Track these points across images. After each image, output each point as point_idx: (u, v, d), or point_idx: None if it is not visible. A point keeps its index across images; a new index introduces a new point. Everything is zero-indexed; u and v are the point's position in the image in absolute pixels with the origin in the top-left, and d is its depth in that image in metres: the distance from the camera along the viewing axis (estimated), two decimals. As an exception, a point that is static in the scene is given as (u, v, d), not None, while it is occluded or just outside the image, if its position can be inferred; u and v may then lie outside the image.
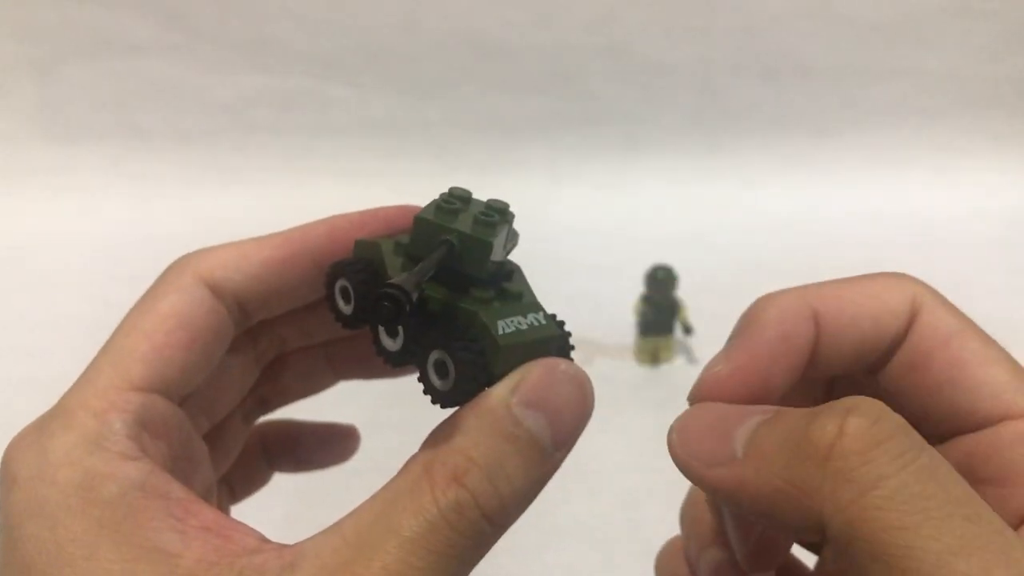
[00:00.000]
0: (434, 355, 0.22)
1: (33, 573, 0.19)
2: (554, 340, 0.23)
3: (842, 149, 0.96)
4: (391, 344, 0.23)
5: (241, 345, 0.27)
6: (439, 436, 0.21)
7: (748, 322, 0.24)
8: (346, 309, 0.25)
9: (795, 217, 0.91)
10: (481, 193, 0.25)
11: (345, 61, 0.91)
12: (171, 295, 0.24)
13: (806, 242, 0.86)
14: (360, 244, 0.25)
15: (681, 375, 0.67)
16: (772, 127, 0.95)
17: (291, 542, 0.20)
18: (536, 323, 0.22)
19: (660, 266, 0.67)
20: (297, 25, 0.89)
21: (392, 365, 0.24)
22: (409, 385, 0.30)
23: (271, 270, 0.26)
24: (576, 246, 0.86)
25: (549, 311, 0.24)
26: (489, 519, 0.20)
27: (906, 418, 0.23)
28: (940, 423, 0.23)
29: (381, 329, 0.23)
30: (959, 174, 0.95)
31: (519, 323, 0.22)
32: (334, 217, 0.27)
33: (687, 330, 0.67)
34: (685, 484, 0.23)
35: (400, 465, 0.21)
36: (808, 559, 0.27)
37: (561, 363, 0.21)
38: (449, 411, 0.23)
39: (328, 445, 0.34)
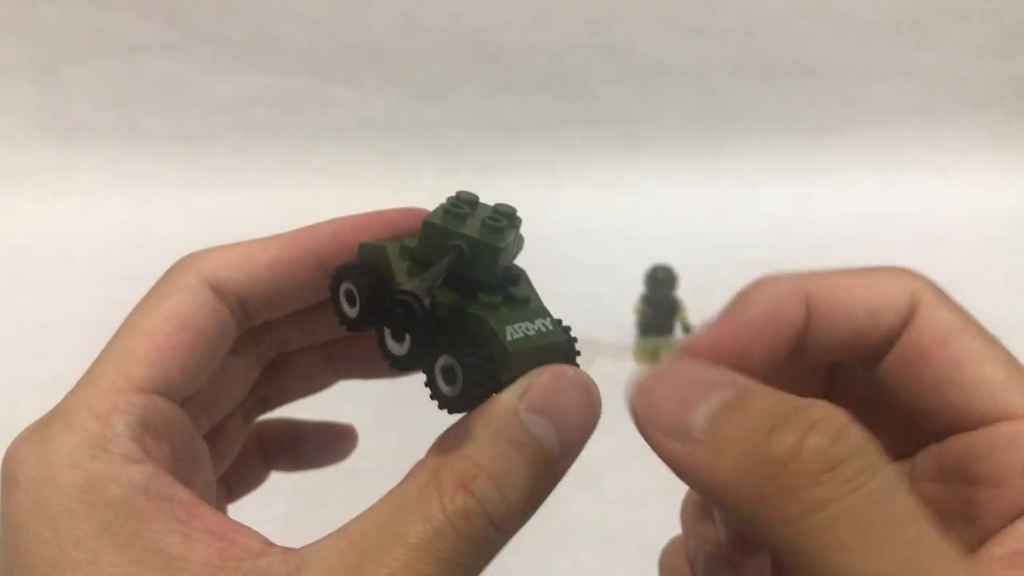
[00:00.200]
0: (442, 360, 0.22)
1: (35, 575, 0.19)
2: (561, 346, 0.23)
3: (842, 149, 0.96)
4: (397, 348, 0.23)
5: (243, 345, 0.27)
6: (446, 442, 0.21)
7: (740, 298, 0.24)
8: (351, 312, 0.25)
9: (795, 217, 0.91)
10: (481, 193, 0.25)
11: (345, 61, 0.91)
12: (174, 296, 0.24)
13: (806, 242, 0.86)
14: (364, 247, 0.25)
15: (681, 375, 0.67)
16: (772, 127, 0.95)
17: (292, 541, 0.20)
18: (543, 329, 0.22)
19: (660, 266, 0.67)
20: (297, 25, 0.89)
21: (398, 370, 0.24)
22: (410, 384, 0.30)
23: (275, 271, 0.26)
24: (576, 246, 0.86)
25: (550, 312, 0.24)
26: (496, 526, 0.20)
27: (903, 412, 0.23)
28: (936, 420, 0.23)
29: (387, 333, 0.23)
30: (959, 174, 0.95)
31: (527, 329, 0.22)
32: (338, 219, 0.27)
33: (687, 330, 0.67)
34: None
35: (401, 464, 0.21)
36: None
37: (569, 370, 0.21)
38: (455, 416, 0.23)
39: (326, 444, 0.34)
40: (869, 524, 0.16)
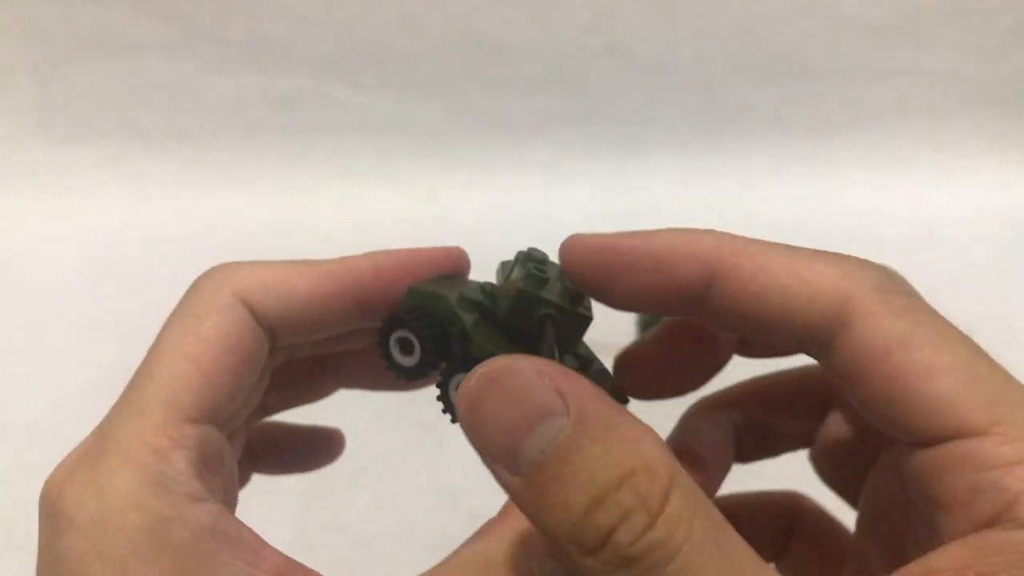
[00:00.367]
0: None
1: None
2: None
3: (842, 149, 0.96)
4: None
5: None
6: None
7: (644, 231, 0.23)
8: (405, 361, 0.24)
9: (795, 217, 0.91)
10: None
11: (345, 61, 0.91)
12: (212, 316, 0.23)
13: (806, 242, 0.86)
14: (415, 292, 0.25)
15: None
16: (772, 127, 0.95)
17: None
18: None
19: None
20: (297, 25, 0.89)
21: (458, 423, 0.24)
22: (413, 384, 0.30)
23: (313, 304, 0.25)
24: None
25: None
26: None
27: (864, 426, 0.22)
28: (891, 434, 0.21)
29: (452, 388, 0.23)
30: (959, 174, 0.95)
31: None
32: (379, 253, 0.26)
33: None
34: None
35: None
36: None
37: None
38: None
39: (313, 448, 0.34)
40: None
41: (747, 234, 0.23)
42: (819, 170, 0.95)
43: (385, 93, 0.93)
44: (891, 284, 0.21)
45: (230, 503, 0.24)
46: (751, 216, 0.90)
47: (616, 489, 0.17)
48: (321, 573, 0.21)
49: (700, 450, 0.26)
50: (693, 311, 0.23)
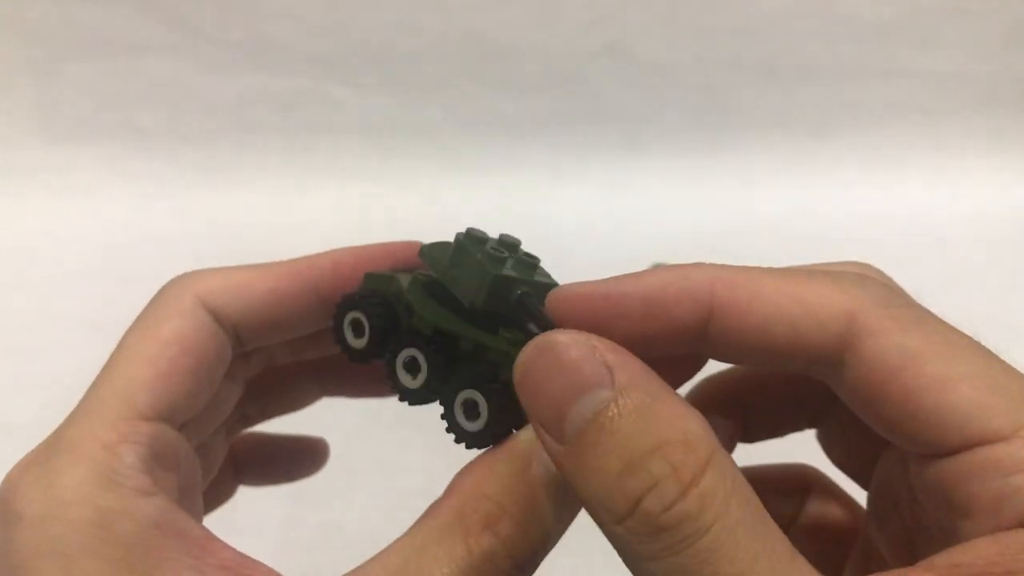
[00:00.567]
0: (463, 395, 0.22)
1: None
2: None
3: (842, 149, 0.96)
4: (410, 381, 0.23)
5: (233, 366, 0.27)
6: (467, 481, 0.21)
7: (632, 274, 0.22)
8: (356, 343, 0.24)
9: (795, 217, 0.91)
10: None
11: (345, 61, 0.91)
12: (173, 319, 0.23)
13: (806, 242, 0.86)
14: (371, 277, 0.25)
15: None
16: (772, 127, 0.95)
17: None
18: None
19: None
20: (297, 25, 0.89)
21: (410, 403, 0.23)
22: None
23: (272, 302, 0.25)
24: (576, 246, 0.86)
25: None
26: (519, 566, 0.20)
27: (877, 441, 0.21)
28: (907, 448, 0.21)
29: (399, 366, 0.23)
30: (959, 174, 0.95)
31: None
32: (339, 250, 0.27)
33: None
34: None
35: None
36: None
37: None
38: (450, 417, 0.22)
39: (297, 458, 0.34)
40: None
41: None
42: (819, 170, 0.95)
43: (385, 93, 0.93)
44: (894, 298, 0.21)
45: (190, 501, 0.24)
46: (751, 216, 0.90)
47: (648, 457, 0.17)
48: (275, 570, 0.20)
49: None
50: (695, 348, 0.22)
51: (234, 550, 0.21)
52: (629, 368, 0.18)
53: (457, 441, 0.22)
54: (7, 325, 0.73)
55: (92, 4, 0.87)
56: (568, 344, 0.19)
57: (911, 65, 0.93)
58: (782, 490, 0.30)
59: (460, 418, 0.22)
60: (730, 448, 0.28)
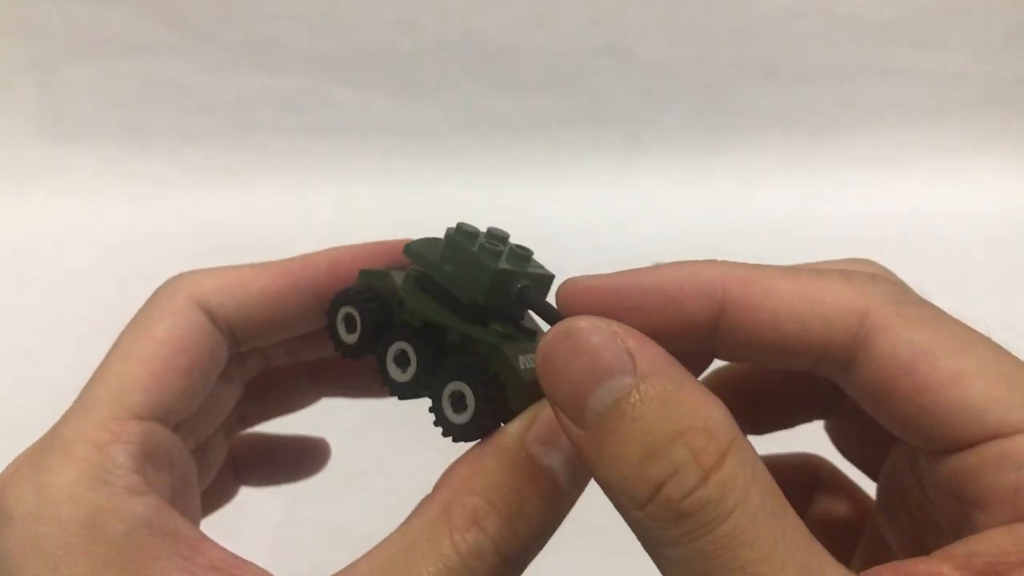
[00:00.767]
0: (451, 387, 0.22)
1: None
2: None
3: (842, 149, 0.96)
4: (400, 375, 0.23)
5: (230, 366, 0.27)
6: (455, 476, 0.21)
7: (645, 271, 0.22)
8: (348, 338, 0.24)
9: (795, 217, 0.91)
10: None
11: (345, 61, 0.91)
12: (167, 319, 0.23)
13: (806, 242, 0.86)
14: (365, 273, 0.25)
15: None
16: (772, 127, 0.95)
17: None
18: None
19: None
20: (297, 25, 0.89)
21: (400, 398, 0.23)
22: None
23: (267, 301, 0.25)
24: (576, 246, 0.86)
25: None
26: (508, 562, 0.20)
27: (886, 431, 0.21)
28: (921, 445, 0.21)
29: (390, 360, 0.23)
30: (959, 174, 0.95)
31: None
32: (335, 249, 0.27)
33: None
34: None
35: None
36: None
37: None
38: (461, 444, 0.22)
39: (298, 459, 0.34)
40: (711, 568, 0.17)
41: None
42: (819, 170, 0.95)
43: (385, 93, 0.92)
44: (904, 295, 0.21)
45: (185, 501, 0.24)
46: (751, 216, 0.90)
47: (670, 443, 0.17)
48: (267, 571, 0.20)
49: None
50: (704, 345, 0.22)
51: (225, 550, 0.21)
52: (650, 354, 0.18)
53: (445, 434, 0.22)
54: (7, 325, 0.73)
55: (92, 4, 0.87)
56: (589, 330, 0.19)
57: (911, 65, 0.93)
58: (791, 480, 0.30)
59: (448, 410, 0.22)
60: None
